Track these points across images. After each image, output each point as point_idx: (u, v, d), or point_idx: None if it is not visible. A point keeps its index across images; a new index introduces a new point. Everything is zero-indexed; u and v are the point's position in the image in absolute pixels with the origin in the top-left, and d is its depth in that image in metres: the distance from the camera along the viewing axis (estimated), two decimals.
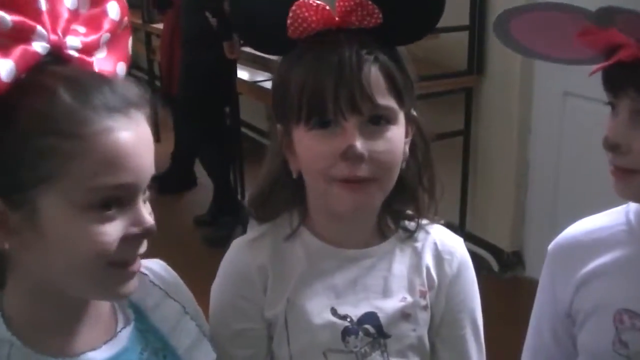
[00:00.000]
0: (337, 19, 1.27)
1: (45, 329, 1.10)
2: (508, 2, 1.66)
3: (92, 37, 1.08)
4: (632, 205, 1.40)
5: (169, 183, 5.59)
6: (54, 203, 0.99)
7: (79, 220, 1.00)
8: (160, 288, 1.26)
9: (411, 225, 1.43)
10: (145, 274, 1.24)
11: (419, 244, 1.43)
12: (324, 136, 1.26)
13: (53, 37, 1.01)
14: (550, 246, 1.51)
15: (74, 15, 1.06)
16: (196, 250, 4.47)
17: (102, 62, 1.11)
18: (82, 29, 1.07)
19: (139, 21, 6.78)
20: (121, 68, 1.15)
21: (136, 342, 1.18)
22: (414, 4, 1.29)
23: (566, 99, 3.72)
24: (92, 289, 1.08)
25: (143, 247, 1.11)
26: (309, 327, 1.37)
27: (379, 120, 1.26)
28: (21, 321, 1.09)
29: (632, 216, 1.39)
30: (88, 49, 1.07)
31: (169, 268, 1.33)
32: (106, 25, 1.10)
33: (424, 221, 1.44)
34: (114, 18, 1.11)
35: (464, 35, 4.14)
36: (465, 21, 4.11)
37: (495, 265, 4.29)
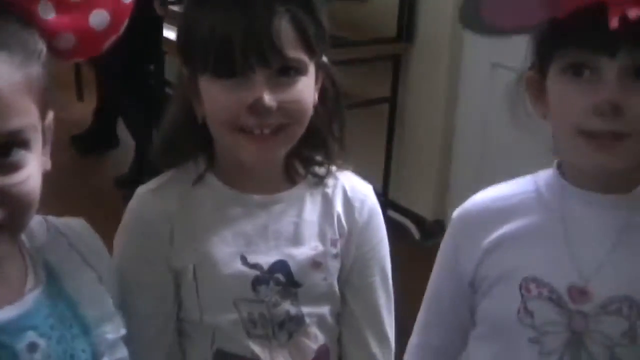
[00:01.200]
0: None
1: None
2: None
3: None
4: (540, 174, 1.38)
5: (91, 142, 5.49)
6: None
7: None
8: (78, 253, 1.20)
9: (321, 171, 1.43)
10: (65, 235, 1.20)
11: (329, 190, 1.43)
12: (231, 87, 1.25)
13: None
14: (455, 213, 1.47)
15: None
16: (118, 210, 4.38)
17: (67, 7, 1.05)
18: None
19: None
20: (99, 17, 1.08)
21: (43, 306, 1.11)
22: None
23: (494, 70, 3.72)
24: None
25: None
26: (218, 277, 1.35)
27: (288, 72, 1.26)
28: None
29: (541, 183, 1.37)
30: None
31: (91, 229, 1.27)
32: None
33: (334, 168, 1.44)
34: None
35: (394, 2, 4.12)
36: None
37: (416, 234, 4.31)
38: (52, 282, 1.15)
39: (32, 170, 1.01)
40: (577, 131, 1.22)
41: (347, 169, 1.46)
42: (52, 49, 1.06)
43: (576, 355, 1.29)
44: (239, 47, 1.21)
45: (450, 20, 3.89)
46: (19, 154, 0.98)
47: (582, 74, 1.21)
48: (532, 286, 1.30)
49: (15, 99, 0.96)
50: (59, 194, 4.81)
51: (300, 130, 1.32)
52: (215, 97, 1.27)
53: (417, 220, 4.32)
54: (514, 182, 1.43)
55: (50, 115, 1.11)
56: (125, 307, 1.29)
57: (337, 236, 1.42)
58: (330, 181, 1.44)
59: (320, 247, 1.40)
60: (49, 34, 1.04)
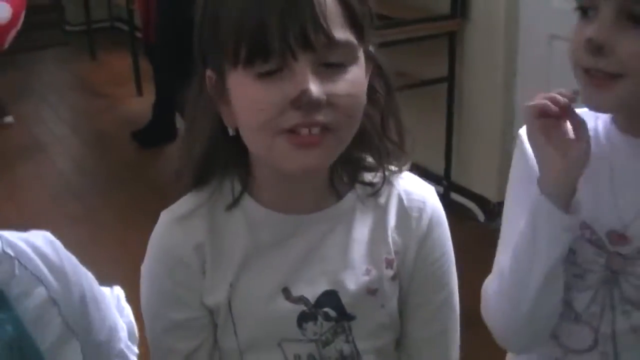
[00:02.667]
0: None
1: None
2: None
3: None
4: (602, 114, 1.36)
5: (151, 136, 5.54)
6: None
7: None
8: (29, 271, 1.12)
9: (373, 178, 1.24)
10: (17, 254, 1.12)
11: (382, 200, 1.24)
12: (270, 82, 1.04)
13: None
14: (521, 130, 1.42)
15: None
16: None
17: None
18: None
19: None
20: (2, 11, 1.02)
21: None
22: None
23: (552, 42, 3.64)
24: None
25: None
26: (257, 315, 1.19)
27: (337, 59, 1.06)
28: None
29: (600, 124, 1.36)
30: None
31: (57, 243, 1.18)
32: None
33: (388, 173, 1.24)
34: None
35: None
36: None
37: (481, 216, 4.25)
38: (0, 306, 1.09)
39: None
40: (577, 67, 1.25)
41: (404, 170, 1.27)
42: None
43: (609, 292, 1.33)
44: (276, 29, 1.00)
45: None
46: None
47: (587, 13, 1.23)
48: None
49: None
50: (122, 186, 4.93)
51: (352, 131, 1.12)
52: (251, 95, 1.06)
53: (481, 202, 4.25)
54: (580, 112, 1.35)
55: None
56: (161, 347, 1.25)
57: (393, 255, 1.23)
58: (384, 189, 1.24)
59: (374, 271, 1.21)
60: None
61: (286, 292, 1.19)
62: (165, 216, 1.24)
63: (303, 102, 1.02)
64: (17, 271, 1.11)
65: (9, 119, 5.63)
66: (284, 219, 1.20)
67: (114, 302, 1.33)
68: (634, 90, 1.20)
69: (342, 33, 1.05)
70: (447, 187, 4.39)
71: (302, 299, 1.20)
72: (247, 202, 1.21)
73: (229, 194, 1.21)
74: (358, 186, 1.24)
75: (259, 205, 1.20)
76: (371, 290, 1.21)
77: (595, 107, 1.28)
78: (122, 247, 3.77)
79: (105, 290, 1.33)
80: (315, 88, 1.02)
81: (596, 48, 1.19)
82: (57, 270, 1.15)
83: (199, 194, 1.22)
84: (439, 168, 4.36)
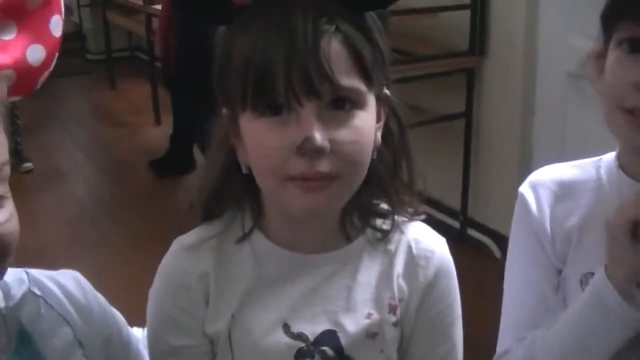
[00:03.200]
0: None
1: None
2: None
3: None
4: (604, 159, 1.34)
5: (168, 166, 5.57)
6: None
7: None
8: (55, 311, 1.13)
9: (384, 224, 1.23)
10: (43, 293, 1.13)
11: (391, 247, 1.23)
12: (276, 125, 1.04)
13: None
14: (521, 189, 1.44)
15: None
16: None
17: (3, 44, 0.99)
18: None
19: (140, 2, 6.76)
20: (36, 52, 1.01)
21: None
22: None
23: (570, 80, 3.65)
24: None
25: None
26: (256, 347, 1.18)
27: (343, 104, 1.05)
28: None
29: (602, 171, 1.33)
30: None
31: (85, 284, 1.20)
32: None
33: (400, 219, 1.23)
34: None
35: (465, 15, 4.06)
36: (467, 0, 4.03)
37: (497, 252, 4.23)
38: (25, 344, 1.09)
39: (12, 210, 0.96)
40: (617, 106, 1.20)
41: (417, 219, 1.26)
42: None
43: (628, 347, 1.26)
44: (281, 75, 1.01)
45: (523, 30, 3.82)
46: None
47: (636, 49, 1.19)
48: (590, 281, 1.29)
49: None
50: (138, 215, 4.93)
51: (359, 178, 1.11)
52: (258, 139, 1.07)
53: (497, 238, 4.24)
54: (578, 165, 1.39)
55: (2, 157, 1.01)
56: None
57: (397, 301, 1.22)
58: (394, 236, 1.23)
59: (376, 315, 1.20)
60: None
61: (286, 327, 1.19)
62: (175, 244, 1.25)
63: (307, 149, 1.03)
64: (42, 310, 1.12)
65: (28, 165, 5.66)
66: (291, 256, 1.20)
67: (144, 342, 1.33)
68: None
69: (348, 80, 1.05)
70: (463, 223, 4.38)
71: (301, 336, 1.19)
72: (257, 236, 1.21)
73: (240, 227, 1.22)
74: (369, 230, 1.23)
75: (268, 240, 1.21)
76: (371, 334, 1.20)
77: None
78: (136, 275, 3.77)
79: (137, 331, 1.33)
80: (319, 135, 1.02)
81: None
82: (84, 311, 1.16)
83: (212, 226, 1.23)
84: (455, 203, 4.36)
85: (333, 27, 1.04)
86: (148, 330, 1.26)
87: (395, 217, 1.23)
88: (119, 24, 8.11)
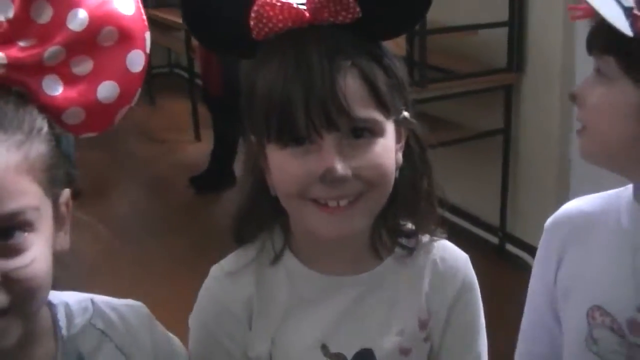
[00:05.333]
0: (307, 14, 1.09)
1: None
2: None
3: (29, 52, 0.96)
4: (626, 193, 1.35)
5: (208, 182, 5.60)
6: None
7: None
8: (116, 345, 1.14)
9: (410, 242, 1.26)
10: (100, 330, 1.14)
11: (419, 265, 1.27)
12: (298, 155, 1.09)
13: None
14: (547, 222, 1.47)
15: (16, 25, 0.96)
16: (234, 250, 4.43)
17: (73, 80, 1.00)
18: (29, 42, 0.96)
19: (179, 20, 6.80)
20: (107, 89, 1.02)
21: None
22: None
23: None
24: None
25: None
26: None
27: (362, 133, 1.09)
28: None
29: (623, 205, 1.34)
30: (22, 65, 0.95)
31: (144, 315, 1.21)
32: (58, 37, 0.97)
33: (425, 237, 1.27)
34: (75, 28, 0.98)
35: (503, 32, 4.08)
36: (505, 17, 4.05)
37: None
38: None
39: (37, 252, 0.94)
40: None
41: (440, 236, 1.29)
42: (61, 124, 1.01)
43: None
44: (301, 111, 1.05)
45: (561, 47, 3.83)
46: (21, 237, 0.93)
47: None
48: (597, 314, 1.31)
49: (11, 180, 0.91)
50: (179, 231, 4.95)
51: (382, 199, 1.15)
52: (282, 168, 1.11)
53: (535, 253, 4.23)
54: (604, 196, 1.42)
55: (66, 192, 1.05)
56: None
57: (427, 316, 1.26)
58: (420, 253, 1.27)
59: (409, 331, 1.24)
60: (56, 110, 0.99)
61: (324, 348, 1.23)
62: (215, 271, 1.28)
63: (329, 179, 1.07)
64: (102, 343, 1.13)
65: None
66: (324, 279, 1.24)
67: None
68: None
69: (365, 111, 1.08)
70: (502, 238, 4.38)
71: (339, 356, 1.23)
72: (290, 259, 1.25)
73: (272, 249, 1.25)
74: (397, 249, 1.27)
75: (300, 264, 1.24)
76: (404, 350, 1.24)
77: (581, 155, 1.32)
78: (177, 289, 3.82)
79: None
80: (340, 165, 1.07)
81: (570, 97, 1.31)
82: (141, 345, 1.17)
83: (248, 251, 1.26)
84: (494, 219, 4.36)
85: (349, 62, 1.08)
86: (192, 355, 1.28)
87: (420, 235, 1.27)
88: (158, 41, 8.17)
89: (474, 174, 4.30)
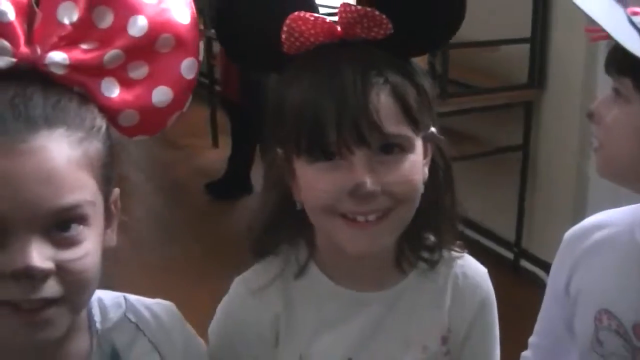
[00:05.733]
0: (339, 29, 1.09)
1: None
2: (570, 14, 1.63)
3: (90, 55, 1.00)
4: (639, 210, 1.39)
5: (225, 188, 5.61)
6: None
7: None
8: (147, 338, 1.17)
9: (432, 256, 1.27)
10: (138, 319, 1.17)
11: (440, 280, 1.28)
12: (328, 170, 1.09)
13: (24, 50, 0.96)
14: (566, 233, 1.51)
15: (79, 28, 1.00)
16: (250, 257, 4.44)
17: (129, 84, 1.03)
18: (91, 45, 1.00)
19: (201, 26, 6.81)
20: (162, 94, 1.05)
21: None
22: (430, 10, 1.10)
23: None
24: None
25: (41, 293, 0.94)
26: None
27: (392, 149, 1.10)
28: None
29: (637, 220, 1.37)
30: (83, 66, 0.99)
31: (175, 315, 1.23)
32: (118, 42, 1.01)
33: (446, 252, 1.28)
34: (134, 34, 1.01)
35: (525, 48, 4.09)
36: (527, 33, 4.06)
37: None
38: None
39: (90, 246, 0.98)
40: None
41: (461, 251, 1.30)
42: (115, 126, 1.05)
43: None
44: (333, 126, 1.05)
45: (583, 65, 3.82)
46: (77, 230, 0.96)
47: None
48: (605, 317, 1.34)
49: (72, 174, 0.94)
50: (194, 237, 4.96)
51: (409, 214, 1.15)
52: (312, 182, 1.11)
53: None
54: (621, 211, 1.45)
55: (116, 192, 1.09)
56: None
57: (448, 331, 1.27)
58: (442, 268, 1.28)
59: (431, 347, 1.26)
60: (112, 111, 1.02)
61: None
62: (240, 287, 1.28)
63: (359, 194, 1.07)
64: (135, 336, 1.16)
65: None
66: (350, 295, 1.24)
67: None
68: None
69: (396, 128, 1.09)
70: (517, 254, 4.37)
71: None
72: (316, 274, 1.25)
73: (296, 262, 1.25)
74: (420, 263, 1.27)
75: (327, 279, 1.24)
76: None
77: (597, 173, 1.36)
78: (191, 294, 3.83)
79: None
80: (370, 181, 1.07)
81: (588, 115, 1.35)
82: (174, 342, 1.20)
83: (271, 265, 1.26)
84: (510, 234, 4.35)
85: (382, 80, 1.08)
86: None
87: (442, 250, 1.27)
88: None
89: (491, 189, 4.29)
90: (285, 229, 1.24)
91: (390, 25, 1.08)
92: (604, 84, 3.68)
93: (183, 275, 4.35)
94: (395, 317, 1.25)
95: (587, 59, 3.80)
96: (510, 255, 4.40)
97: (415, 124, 1.11)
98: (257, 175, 5.35)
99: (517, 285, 4.09)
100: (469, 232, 4.37)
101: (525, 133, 4.21)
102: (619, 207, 1.41)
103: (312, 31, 1.09)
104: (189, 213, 5.43)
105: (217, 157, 6.33)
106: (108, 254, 1.05)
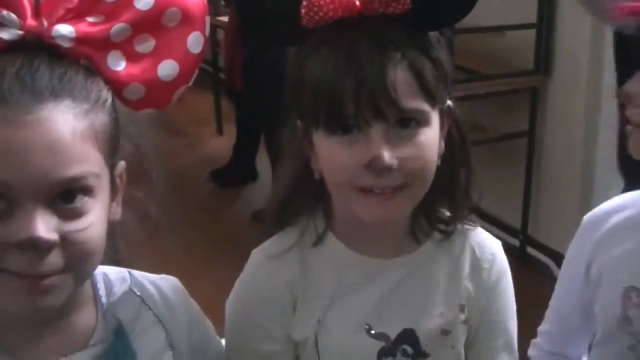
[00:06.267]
0: (358, 4, 1.11)
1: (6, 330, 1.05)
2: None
3: (97, 28, 1.01)
4: None
5: (230, 176, 5.61)
6: None
7: None
8: (152, 312, 1.18)
9: (447, 227, 1.31)
10: (142, 292, 1.19)
11: (456, 250, 1.32)
12: (346, 143, 1.13)
13: (31, 23, 0.97)
14: (584, 218, 1.53)
15: (86, 2, 1.01)
16: (254, 244, 4.44)
17: (136, 57, 1.04)
18: (97, 19, 1.01)
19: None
20: (168, 68, 1.06)
21: None
22: None
23: None
24: None
25: (45, 263, 0.94)
26: (342, 349, 1.26)
27: (409, 123, 1.13)
28: None
29: None
30: (89, 40, 1.00)
31: (180, 290, 1.25)
32: (125, 16, 1.01)
33: (460, 226, 1.32)
34: (141, 8, 1.02)
35: (531, 34, 4.07)
36: (533, 19, 4.04)
37: (556, 271, 4.19)
38: (120, 338, 1.14)
39: (95, 218, 0.99)
40: None
41: (475, 224, 1.34)
42: (121, 99, 1.06)
43: None
44: (351, 99, 1.09)
45: (588, 51, 3.81)
46: (82, 201, 0.97)
47: None
48: (634, 295, 1.35)
49: (77, 146, 0.95)
50: (198, 226, 4.96)
51: (424, 188, 1.19)
52: (330, 155, 1.15)
53: (557, 257, 4.20)
54: (637, 194, 1.47)
55: (121, 165, 1.11)
56: None
57: (465, 301, 1.31)
58: (457, 239, 1.32)
59: (449, 314, 1.29)
60: (118, 85, 1.04)
61: (368, 329, 1.26)
62: (257, 255, 1.31)
63: (376, 167, 1.11)
64: (140, 309, 1.17)
65: None
66: (367, 262, 1.27)
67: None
68: None
69: (413, 102, 1.12)
70: (523, 241, 4.36)
71: (383, 336, 1.27)
72: (334, 242, 1.28)
73: (314, 232, 1.29)
74: (435, 234, 1.31)
75: (345, 247, 1.28)
76: (444, 331, 1.29)
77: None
78: (194, 283, 3.85)
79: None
80: (387, 154, 1.10)
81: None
82: (178, 316, 1.21)
83: (289, 234, 1.29)
84: (515, 221, 4.34)
85: (399, 54, 1.11)
86: (230, 339, 1.31)
87: (457, 222, 1.31)
88: None
89: (496, 176, 4.28)
90: (304, 198, 1.28)
91: (408, 0, 1.11)
92: (611, 69, 3.67)
93: (181, 263, 4.34)
94: (412, 283, 1.28)
95: (593, 45, 3.79)
96: (516, 242, 4.39)
97: (432, 99, 1.14)
98: (262, 162, 5.33)
99: (523, 272, 4.08)
100: (475, 219, 4.36)
101: (530, 119, 4.19)
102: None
103: (331, 5, 1.11)
104: (192, 201, 5.40)
105: (221, 145, 6.32)
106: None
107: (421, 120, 1.14)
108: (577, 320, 1.51)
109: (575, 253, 1.51)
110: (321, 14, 1.11)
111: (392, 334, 1.27)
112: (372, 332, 1.26)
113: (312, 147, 1.20)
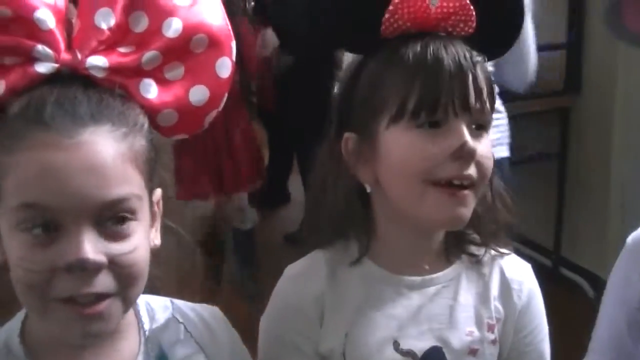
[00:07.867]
0: (432, 18, 1.20)
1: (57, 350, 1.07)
2: None
3: (128, 57, 1.03)
4: None
5: (262, 199, 5.61)
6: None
7: (13, 240, 0.96)
8: (195, 340, 1.20)
9: (478, 250, 1.33)
10: (185, 320, 1.20)
11: (485, 271, 1.34)
12: (431, 135, 1.17)
13: (66, 57, 1.00)
14: (629, 239, 1.49)
15: (117, 33, 1.03)
16: (287, 265, 4.43)
17: (167, 84, 1.07)
18: (128, 49, 1.04)
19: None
20: (199, 93, 1.08)
21: None
22: (499, 16, 1.24)
23: None
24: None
25: (95, 284, 0.96)
26: None
27: (480, 126, 1.21)
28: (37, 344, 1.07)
29: None
30: (122, 69, 1.02)
31: (221, 319, 1.26)
32: (155, 44, 1.04)
33: (491, 250, 1.34)
34: (170, 36, 1.05)
35: (561, 54, 4.07)
36: (562, 39, 4.04)
37: (590, 292, 4.18)
38: None
39: (139, 241, 1.01)
40: None
41: (505, 249, 1.36)
42: (155, 126, 1.07)
43: None
44: (446, 92, 1.16)
45: (619, 70, 3.81)
46: (127, 223, 0.99)
47: None
48: None
49: (118, 167, 0.97)
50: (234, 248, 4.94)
51: (481, 192, 1.24)
52: (412, 146, 1.18)
53: (591, 278, 4.19)
54: None
55: (158, 192, 1.12)
56: None
57: (494, 321, 1.32)
58: (486, 262, 1.34)
59: (477, 333, 1.30)
60: (152, 111, 1.05)
61: (396, 345, 1.27)
62: (289, 270, 1.35)
63: (463, 153, 1.16)
64: (182, 336, 1.19)
65: None
66: (396, 279, 1.29)
67: None
68: None
69: (487, 105, 1.20)
70: (556, 262, 4.34)
71: (410, 353, 1.27)
72: (365, 260, 1.30)
73: (351, 252, 1.30)
74: (464, 256, 1.34)
75: (374, 265, 1.30)
76: (472, 351, 1.29)
77: None
78: (230, 308, 3.87)
79: None
80: (471, 141, 1.17)
81: None
82: (219, 344, 1.22)
83: (325, 252, 1.32)
84: (548, 242, 4.33)
85: (480, 59, 1.20)
86: (261, 352, 1.34)
87: (487, 245, 1.34)
88: None
89: (528, 197, 4.27)
90: (355, 217, 1.30)
91: (474, 25, 1.21)
92: None
93: (221, 287, 4.36)
94: (441, 302, 1.30)
95: (624, 65, 3.78)
96: (549, 262, 4.37)
97: (493, 102, 1.22)
98: (293, 184, 5.34)
99: (556, 292, 4.04)
100: (507, 240, 4.33)
101: (562, 140, 4.19)
102: None
103: (411, 16, 1.19)
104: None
105: None
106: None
107: (487, 125, 1.22)
108: (631, 345, 1.48)
109: (623, 275, 1.49)
110: (400, 22, 1.19)
111: (420, 351, 1.28)
112: (401, 348, 1.27)
113: (366, 156, 1.24)
